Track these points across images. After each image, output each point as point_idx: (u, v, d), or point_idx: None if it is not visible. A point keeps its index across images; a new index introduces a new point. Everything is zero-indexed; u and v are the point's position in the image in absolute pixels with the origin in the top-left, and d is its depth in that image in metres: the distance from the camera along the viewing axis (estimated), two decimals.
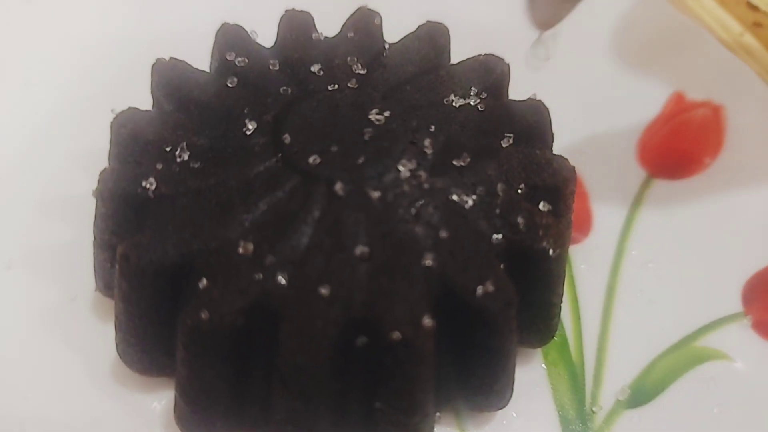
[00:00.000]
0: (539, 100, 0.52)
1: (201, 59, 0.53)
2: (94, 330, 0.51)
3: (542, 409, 0.50)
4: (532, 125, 0.51)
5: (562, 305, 0.50)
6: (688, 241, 0.56)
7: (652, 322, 0.53)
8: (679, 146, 0.60)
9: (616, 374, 0.51)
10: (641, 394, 0.50)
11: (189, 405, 0.44)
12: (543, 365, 0.51)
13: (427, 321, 0.41)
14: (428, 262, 0.42)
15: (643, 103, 0.62)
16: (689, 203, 0.58)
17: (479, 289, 0.42)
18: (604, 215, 0.57)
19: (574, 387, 0.50)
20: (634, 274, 0.55)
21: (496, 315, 0.43)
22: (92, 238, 0.49)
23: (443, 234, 0.43)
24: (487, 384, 0.46)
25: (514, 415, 0.49)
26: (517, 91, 0.54)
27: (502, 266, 0.44)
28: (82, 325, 0.51)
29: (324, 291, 0.41)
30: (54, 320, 0.51)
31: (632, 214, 0.57)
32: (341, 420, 0.44)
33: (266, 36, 0.54)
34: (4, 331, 0.50)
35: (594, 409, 0.50)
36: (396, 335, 0.40)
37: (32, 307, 0.51)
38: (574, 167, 0.49)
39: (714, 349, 0.52)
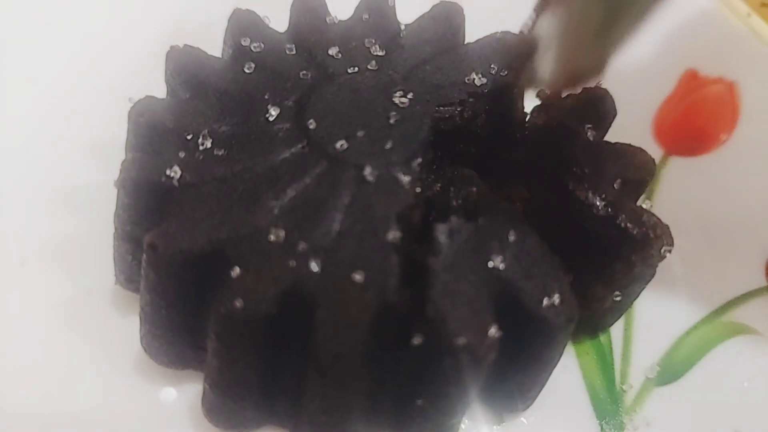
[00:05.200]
0: (605, 89, 0.50)
1: (212, 46, 0.52)
2: (114, 324, 0.50)
3: (573, 390, 0.49)
4: (605, 115, 0.50)
5: None
6: (708, 218, 0.56)
7: (677, 299, 0.53)
8: (694, 123, 0.60)
9: (644, 352, 0.51)
10: (670, 371, 0.50)
11: (219, 396, 0.43)
12: (571, 346, 0.51)
13: (494, 331, 0.39)
14: (497, 264, 0.41)
15: (657, 81, 0.61)
16: (707, 179, 0.58)
17: (545, 301, 0.41)
18: None
19: (603, 367, 0.50)
20: None
21: (556, 329, 0.42)
22: (107, 231, 0.48)
23: (511, 237, 0.42)
24: (522, 390, 0.46)
25: (545, 395, 0.48)
26: None
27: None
28: (101, 320, 0.50)
29: (358, 277, 0.40)
30: (72, 316, 0.50)
31: (651, 192, 0.57)
32: (374, 410, 0.44)
33: (277, 21, 0.53)
34: (23, 328, 0.49)
35: (624, 387, 0.50)
36: (461, 341, 0.38)
37: (49, 302, 0.50)
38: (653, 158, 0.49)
39: (740, 323, 0.52)
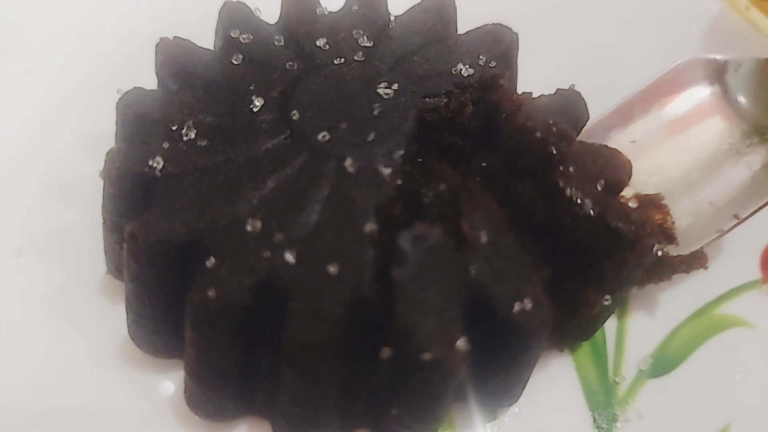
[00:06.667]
0: (577, 91, 0.49)
1: (205, 38, 0.52)
2: (106, 313, 0.50)
3: (566, 381, 0.49)
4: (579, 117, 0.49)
5: None
6: None
7: (672, 291, 0.52)
8: None
9: (637, 344, 0.50)
10: (663, 363, 0.49)
11: (198, 385, 0.43)
12: None
13: (462, 344, 0.38)
14: (466, 268, 0.40)
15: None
16: None
17: (516, 306, 0.39)
18: None
19: (596, 358, 0.50)
20: None
21: (529, 333, 0.41)
22: (99, 221, 0.49)
23: (483, 239, 0.41)
24: (503, 389, 0.46)
25: (538, 387, 0.48)
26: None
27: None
28: (93, 309, 0.51)
29: (332, 269, 0.40)
30: (65, 305, 0.51)
31: None
32: (351, 405, 0.43)
33: (269, 13, 0.54)
34: (16, 319, 0.50)
35: (617, 379, 0.49)
36: (428, 356, 0.37)
37: (43, 292, 0.51)
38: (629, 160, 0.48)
39: (734, 316, 0.51)
